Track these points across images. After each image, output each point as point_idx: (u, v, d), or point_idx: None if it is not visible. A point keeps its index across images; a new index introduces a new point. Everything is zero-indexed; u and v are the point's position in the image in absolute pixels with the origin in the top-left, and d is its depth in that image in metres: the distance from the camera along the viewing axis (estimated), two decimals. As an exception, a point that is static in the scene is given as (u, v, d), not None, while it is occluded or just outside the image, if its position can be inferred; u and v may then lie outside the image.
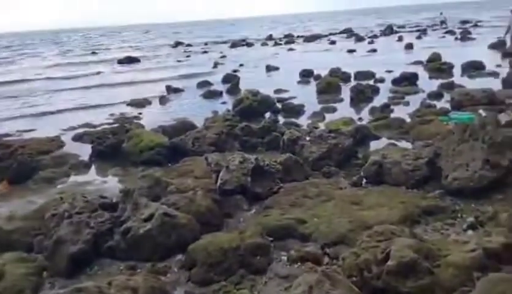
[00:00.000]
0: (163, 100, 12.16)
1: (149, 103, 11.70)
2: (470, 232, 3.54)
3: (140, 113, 10.38)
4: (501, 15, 32.28)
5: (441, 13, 43.02)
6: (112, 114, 10.29)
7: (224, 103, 10.89)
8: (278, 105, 9.73)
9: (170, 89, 13.41)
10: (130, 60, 25.21)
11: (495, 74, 11.88)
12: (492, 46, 17.89)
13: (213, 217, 4.11)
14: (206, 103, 11.30)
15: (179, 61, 24.02)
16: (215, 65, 19.92)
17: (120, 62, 24.92)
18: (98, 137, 7.00)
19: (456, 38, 24.80)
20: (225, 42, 36.51)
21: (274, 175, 4.86)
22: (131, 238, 3.61)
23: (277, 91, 11.62)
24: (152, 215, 3.64)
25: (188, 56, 26.60)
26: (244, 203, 4.54)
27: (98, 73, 20.46)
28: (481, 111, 7.31)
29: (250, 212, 4.43)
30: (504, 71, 11.48)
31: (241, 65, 18.86)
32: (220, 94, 12.27)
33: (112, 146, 6.70)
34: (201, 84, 13.94)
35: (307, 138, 5.98)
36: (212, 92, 12.42)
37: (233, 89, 12.29)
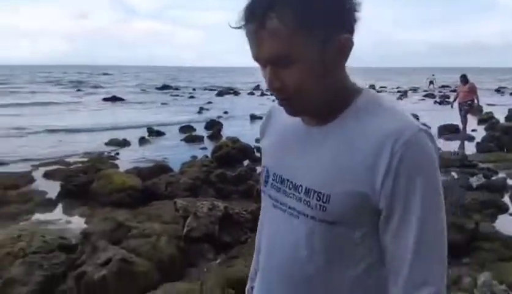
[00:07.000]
0: (142, 142, 12.09)
1: (128, 143, 11.60)
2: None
3: (117, 153, 10.25)
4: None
5: (433, 75, 44.63)
6: (88, 153, 10.13)
7: (204, 148, 10.87)
8: (258, 154, 9.75)
9: (151, 131, 13.40)
10: (115, 99, 25.40)
11: (470, 138, 12.23)
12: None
13: (175, 265, 3.95)
14: (186, 148, 11.26)
15: (163, 104, 24.23)
16: (200, 110, 20.14)
17: (106, 99, 25.09)
18: (68, 175, 6.82)
19: (435, 102, 25.75)
20: (212, 89, 37.18)
21: (242, 224, 4.76)
22: (84, 284, 3.41)
23: (259, 140, 11.67)
24: (110, 260, 3.48)
25: (174, 100, 26.93)
26: (209, 252, 4.40)
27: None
28: (453, 173, 7.43)
29: (215, 262, 4.27)
30: (479, 136, 11.89)
31: (226, 112, 19.11)
32: (201, 139, 12.30)
33: (81, 186, 6.50)
34: (183, 129, 13.98)
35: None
36: (194, 137, 12.45)
37: (215, 136, 12.35)
